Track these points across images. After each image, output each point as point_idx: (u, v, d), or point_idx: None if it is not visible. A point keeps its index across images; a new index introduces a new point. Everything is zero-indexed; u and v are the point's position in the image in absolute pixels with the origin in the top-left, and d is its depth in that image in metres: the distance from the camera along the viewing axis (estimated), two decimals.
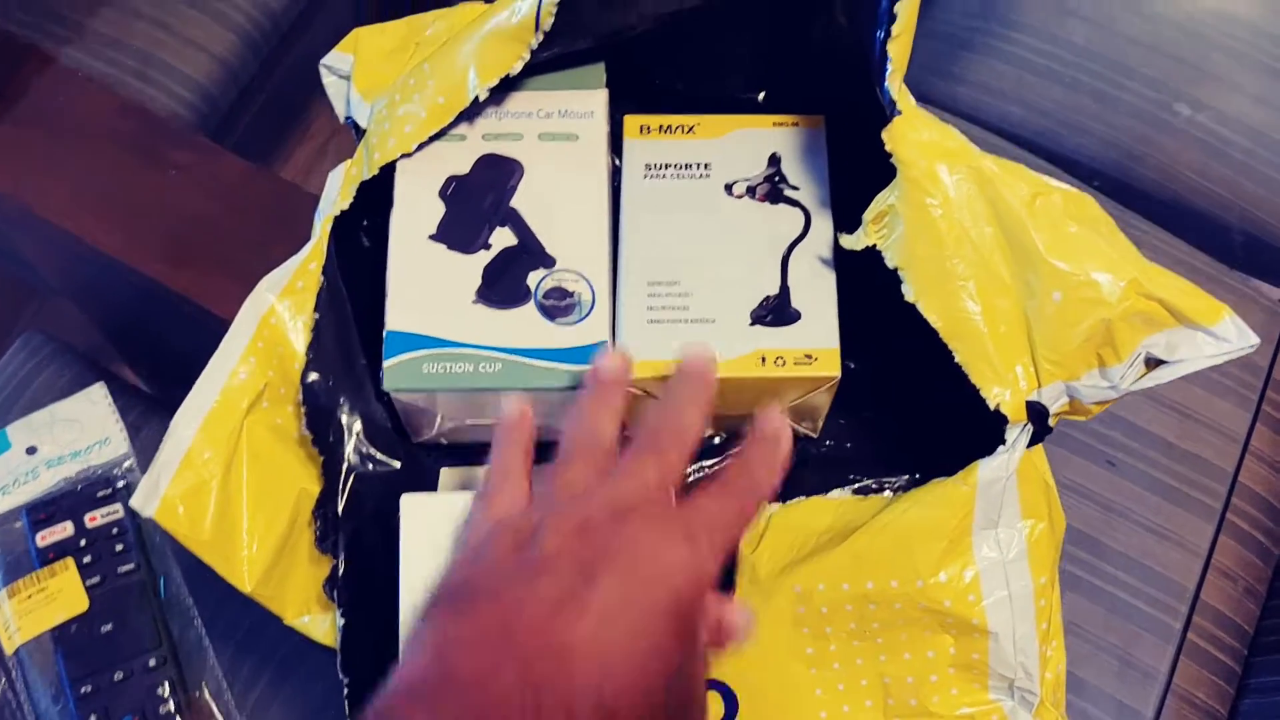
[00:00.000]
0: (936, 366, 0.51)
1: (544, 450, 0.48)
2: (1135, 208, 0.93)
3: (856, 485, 0.58)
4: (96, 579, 0.56)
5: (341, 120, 0.63)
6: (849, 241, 0.52)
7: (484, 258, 0.55)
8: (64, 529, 0.57)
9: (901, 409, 0.60)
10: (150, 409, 0.75)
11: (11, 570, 0.56)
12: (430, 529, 0.49)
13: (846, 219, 0.54)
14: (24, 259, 0.91)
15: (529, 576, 0.39)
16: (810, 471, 0.59)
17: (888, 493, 0.58)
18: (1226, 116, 0.99)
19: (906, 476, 0.59)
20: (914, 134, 0.49)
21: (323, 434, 0.53)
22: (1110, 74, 1.01)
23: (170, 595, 0.57)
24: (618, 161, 0.59)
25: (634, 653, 0.37)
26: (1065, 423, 0.68)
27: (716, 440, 0.61)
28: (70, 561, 0.56)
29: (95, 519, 0.56)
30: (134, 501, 0.51)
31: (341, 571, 0.53)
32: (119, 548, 0.56)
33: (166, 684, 0.54)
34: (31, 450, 0.58)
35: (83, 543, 0.56)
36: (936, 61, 1.04)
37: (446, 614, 0.39)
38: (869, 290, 0.54)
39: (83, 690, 0.54)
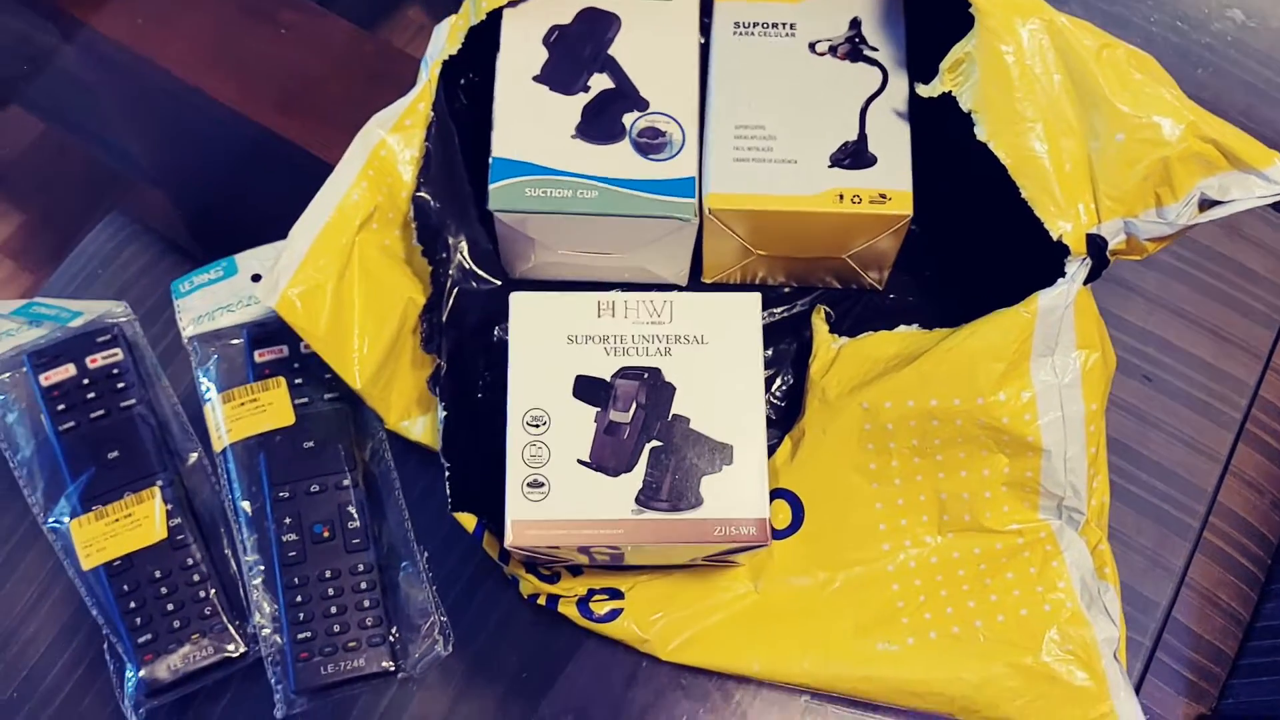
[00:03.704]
0: (997, 219, 0.55)
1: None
2: None
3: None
4: (304, 400, 0.61)
5: None
6: (925, 90, 0.56)
7: (583, 99, 0.59)
8: (279, 351, 0.61)
9: (961, 268, 0.64)
10: None
11: (228, 379, 0.61)
12: (537, 325, 0.53)
13: (920, 79, 0.58)
14: (113, 141, 0.95)
15: None
16: (877, 320, 0.63)
17: None
18: (1274, 60, 1.02)
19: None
20: None
21: (431, 246, 0.58)
22: (1166, 15, 1.04)
23: (364, 428, 0.62)
24: (704, 32, 0.63)
25: None
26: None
27: (786, 289, 0.65)
28: (282, 380, 0.61)
29: (308, 349, 0.61)
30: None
31: (444, 372, 0.57)
32: (327, 375, 0.60)
33: (355, 504, 0.59)
34: (256, 278, 0.63)
35: (295, 365, 0.61)
36: None
37: None
38: (934, 157, 0.58)
39: (280, 494, 0.59)
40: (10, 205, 1.22)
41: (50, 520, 0.59)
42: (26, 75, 0.87)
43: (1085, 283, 0.55)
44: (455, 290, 0.60)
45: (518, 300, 0.54)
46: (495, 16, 0.61)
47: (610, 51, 0.60)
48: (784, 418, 0.63)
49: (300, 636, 0.57)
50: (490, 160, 0.58)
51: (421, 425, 0.60)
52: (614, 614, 0.58)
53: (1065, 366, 0.55)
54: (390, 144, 0.59)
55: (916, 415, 0.56)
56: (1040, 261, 0.55)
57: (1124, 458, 0.72)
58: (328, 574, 0.58)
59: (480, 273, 0.61)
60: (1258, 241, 0.82)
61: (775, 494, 0.59)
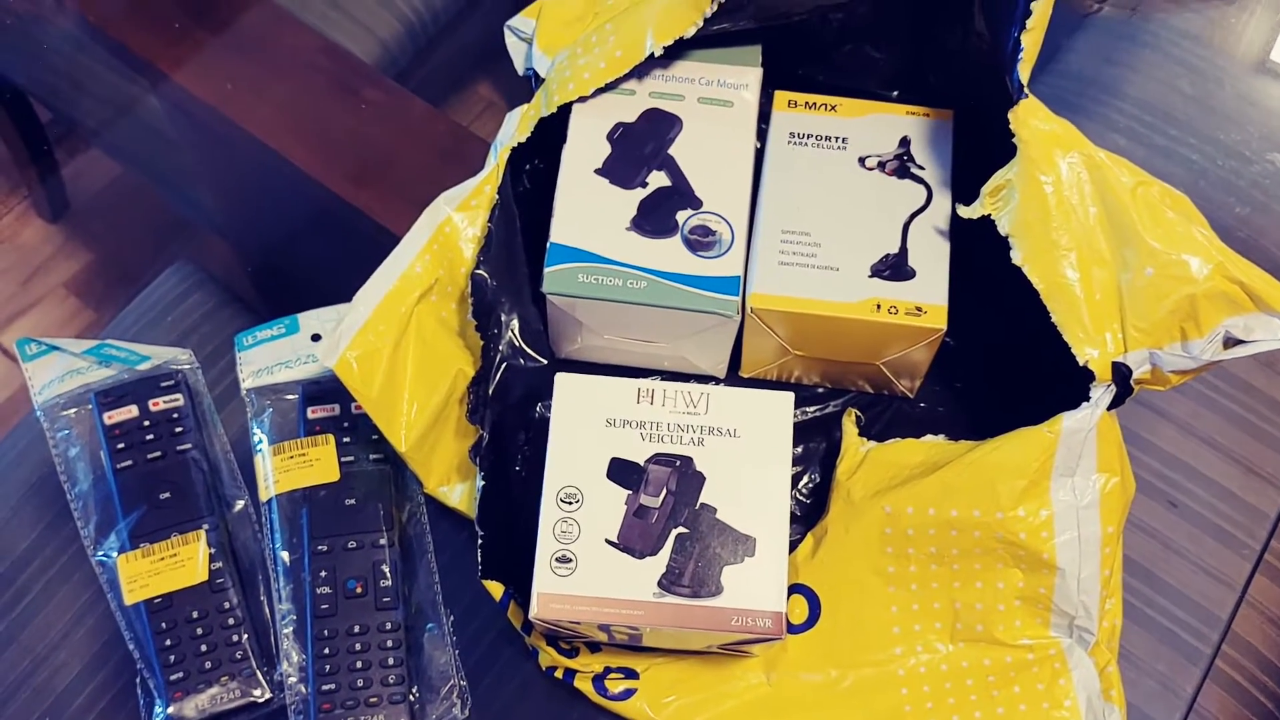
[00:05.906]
0: (1029, 339, 0.57)
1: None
2: None
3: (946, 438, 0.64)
4: (350, 458, 0.64)
5: (521, 73, 0.71)
6: (966, 211, 0.58)
7: (640, 193, 0.62)
8: (331, 409, 0.64)
9: (992, 383, 0.66)
10: None
11: (280, 432, 0.64)
12: (578, 406, 0.55)
13: (963, 200, 0.61)
14: (187, 192, 0.99)
15: None
16: (906, 427, 0.65)
17: None
18: None
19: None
20: (1035, 119, 0.56)
21: (484, 322, 0.61)
22: (1210, 150, 1.07)
23: (405, 491, 0.64)
24: (760, 138, 0.66)
25: None
26: (1133, 463, 0.74)
27: (821, 390, 0.68)
28: (331, 438, 0.64)
29: (358, 410, 0.63)
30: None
31: (486, 443, 0.59)
32: (374, 437, 0.63)
33: (389, 563, 0.62)
34: (316, 338, 0.66)
35: (345, 425, 0.64)
36: None
37: None
38: (972, 275, 0.61)
39: (319, 548, 0.62)
40: (79, 244, 1.27)
41: (99, 553, 0.62)
42: (110, 121, 0.91)
43: (1109, 408, 0.57)
44: (504, 365, 0.62)
45: (562, 381, 0.56)
46: (565, 110, 0.64)
47: (670, 151, 0.64)
48: (808, 515, 0.64)
49: (324, 688, 0.59)
50: (548, 245, 0.61)
51: (460, 492, 0.63)
52: (628, 693, 0.59)
53: (1085, 488, 0.57)
54: (455, 221, 0.62)
55: (937, 524, 0.57)
56: (1067, 384, 0.57)
57: (1143, 581, 0.73)
58: (356, 629, 0.60)
59: (529, 351, 0.64)
60: None
61: (794, 589, 0.60)
